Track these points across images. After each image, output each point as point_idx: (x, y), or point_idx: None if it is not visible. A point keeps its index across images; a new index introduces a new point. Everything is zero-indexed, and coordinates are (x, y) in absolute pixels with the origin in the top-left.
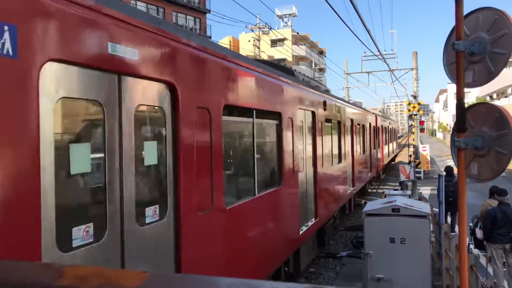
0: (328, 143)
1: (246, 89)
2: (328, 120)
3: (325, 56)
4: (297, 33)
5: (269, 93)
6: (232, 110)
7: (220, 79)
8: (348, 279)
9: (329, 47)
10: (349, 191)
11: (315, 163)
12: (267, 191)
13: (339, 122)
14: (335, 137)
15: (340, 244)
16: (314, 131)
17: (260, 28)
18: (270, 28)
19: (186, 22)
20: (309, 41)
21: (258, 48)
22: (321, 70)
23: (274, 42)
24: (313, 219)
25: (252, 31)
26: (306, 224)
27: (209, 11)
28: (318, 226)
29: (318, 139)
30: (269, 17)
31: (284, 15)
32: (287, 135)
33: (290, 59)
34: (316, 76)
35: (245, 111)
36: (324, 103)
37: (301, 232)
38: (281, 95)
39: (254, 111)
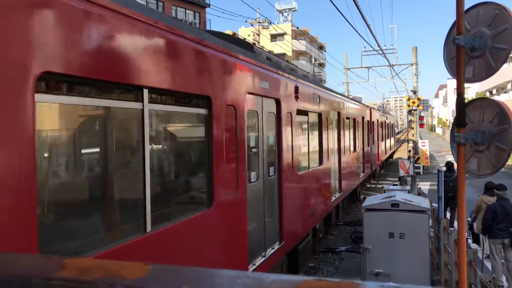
0: (302, 141)
1: (121, 51)
2: (302, 112)
3: (325, 51)
4: (297, 27)
5: (188, 66)
6: (80, 85)
7: (25, 20)
8: (347, 274)
9: (329, 42)
10: (334, 198)
11: (279, 168)
12: (178, 221)
13: (319, 115)
14: (314, 134)
15: (339, 239)
16: (278, 125)
17: (260, 22)
18: (270, 23)
19: (185, 17)
20: (309, 36)
21: (258, 42)
22: (321, 65)
23: (274, 37)
24: (276, 245)
25: (252, 25)
26: (262, 254)
27: (209, 5)
28: (286, 252)
29: (285, 135)
30: (269, 12)
31: (284, 9)
32: (227, 131)
33: (290, 53)
34: (316, 71)
35: (122, 90)
36: (296, 89)
37: (252, 269)
38: (215, 72)
39: (146, 91)
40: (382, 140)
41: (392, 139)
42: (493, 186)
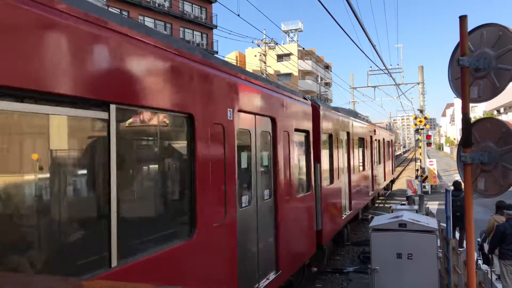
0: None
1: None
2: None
3: (331, 71)
4: (303, 48)
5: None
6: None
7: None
8: None
9: (335, 61)
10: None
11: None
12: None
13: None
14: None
15: (346, 259)
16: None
17: (266, 43)
18: (276, 43)
19: (193, 38)
20: (315, 56)
21: (264, 63)
22: (327, 84)
23: (280, 57)
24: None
25: (259, 46)
26: (343, 217)
27: (216, 27)
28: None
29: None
30: (275, 32)
31: (290, 30)
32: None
33: (296, 73)
34: (322, 90)
35: (299, 131)
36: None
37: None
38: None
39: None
40: (364, 169)
41: (390, 164)
42: (505, 206)
